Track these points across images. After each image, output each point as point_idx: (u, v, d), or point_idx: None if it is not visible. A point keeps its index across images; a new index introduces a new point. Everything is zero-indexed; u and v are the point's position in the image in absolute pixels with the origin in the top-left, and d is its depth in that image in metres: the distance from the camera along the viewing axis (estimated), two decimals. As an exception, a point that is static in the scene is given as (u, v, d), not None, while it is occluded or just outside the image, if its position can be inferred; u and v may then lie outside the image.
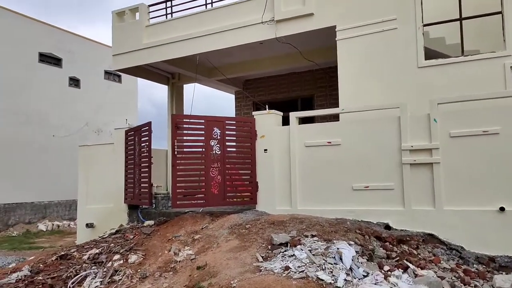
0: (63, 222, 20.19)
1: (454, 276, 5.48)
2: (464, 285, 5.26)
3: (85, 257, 7.19)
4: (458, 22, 7.88)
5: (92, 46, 23.65)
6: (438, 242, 6.28)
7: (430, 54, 8.16)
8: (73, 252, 7.54)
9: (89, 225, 10.11)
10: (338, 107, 8.49)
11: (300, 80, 12.82)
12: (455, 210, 6.36)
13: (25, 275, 6.85)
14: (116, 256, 6.94)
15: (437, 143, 6.55)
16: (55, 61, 21.63)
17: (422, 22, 7.98)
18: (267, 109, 8.22)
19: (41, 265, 7.22)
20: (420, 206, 6.62)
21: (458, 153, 6.45)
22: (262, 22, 9.44)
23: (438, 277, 5.26)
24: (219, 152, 8.03)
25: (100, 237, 8.50)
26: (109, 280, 6.26)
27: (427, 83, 7.78)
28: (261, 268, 5.25)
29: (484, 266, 5.89)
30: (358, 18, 8.46)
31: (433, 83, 7.73)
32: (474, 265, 5.94)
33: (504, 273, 5.70)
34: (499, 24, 7.52)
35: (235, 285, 4.85)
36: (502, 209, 6.07)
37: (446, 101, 6.69)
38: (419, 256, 5.94)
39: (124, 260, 6.78)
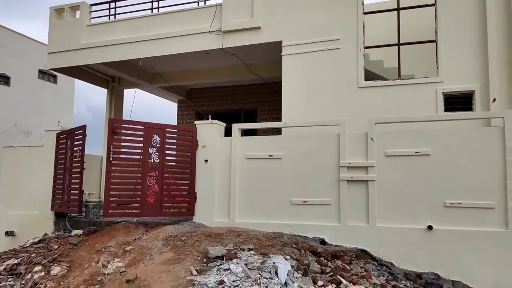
0: (-20, 229, 18.55)
1: (384, 292, 5.61)
2: (393, 300, 5.41)
3: (1, 268, 6.58)
4: (396, 47, 8.28)
5: (27, 43, 22.18)
6: (370, 258, 6.43)
7: (370, 75, 8.48)
8: (-12, 262, 6.88)
9: (9, 233, 9.31)
10: (281, 121, 8.55)
11: (244, 92, 12.84)
12: (387, 227, 6.56)
13: None
14: (37, 268, 6.41)
15: (373, 161, 6.75)
16: (-17, 56, 20.09)
17: (364, 45, 8.29)
18: (210, 119, 8.09)
19: None
20: (355, 222, 6.75)
21: (392, 172, 6.68)
22: (209, 32, 9.35)
23: (370, 292, 5.36)
24: (158, 161, 7.76)
25: (20, 246, 7.85)
26: (27, 293, 5.76)
27: (366, 103, 8.05)
28: (194, 282, 5.07)
29: (411, 283, 6.08)
30: (304, 35, 8.63)
31: (372, 104, 8.01)
32: (403, 281, 6.11)
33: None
34: (433, 51, 7.98)
35: (166, 300, 4.63)
36: (430, 227, 6.34)
37: (382, 121, 6.92)
38: (352, 272, 6.02)
39: (46, 272, 6.28)
